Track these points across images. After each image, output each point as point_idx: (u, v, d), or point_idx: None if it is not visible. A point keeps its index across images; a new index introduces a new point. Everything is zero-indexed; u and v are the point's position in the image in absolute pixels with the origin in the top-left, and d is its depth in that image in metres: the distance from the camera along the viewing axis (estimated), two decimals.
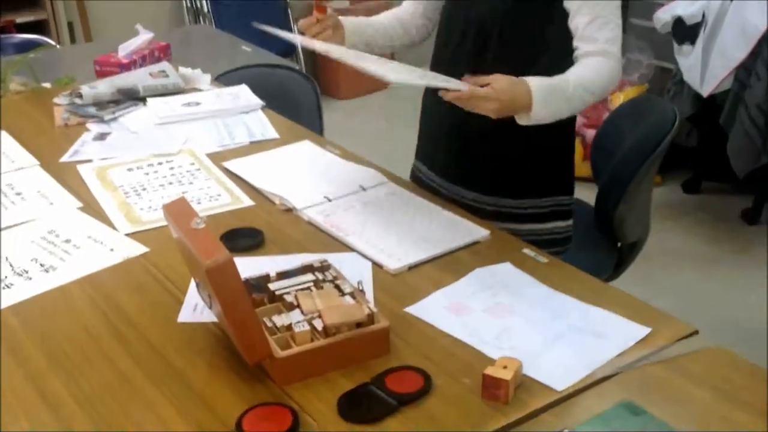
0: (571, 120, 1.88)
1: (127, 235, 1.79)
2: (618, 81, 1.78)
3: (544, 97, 1.65)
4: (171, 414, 1.30)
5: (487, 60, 1.82)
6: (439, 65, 1.89)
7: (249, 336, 1.31)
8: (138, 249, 1.74)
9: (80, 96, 2.38)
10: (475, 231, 1.78)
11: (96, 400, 1.33)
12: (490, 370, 1.31)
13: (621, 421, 1.25)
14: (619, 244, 2.37)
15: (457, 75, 1.67)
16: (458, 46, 1.88)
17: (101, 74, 2.68)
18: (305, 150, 2.17)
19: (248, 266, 1.64)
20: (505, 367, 1.31)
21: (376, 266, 1.68)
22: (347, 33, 1.89)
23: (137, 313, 1.55)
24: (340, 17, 1.89)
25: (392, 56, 2.17)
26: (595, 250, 2.34)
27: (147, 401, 1.33)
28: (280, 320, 1.40)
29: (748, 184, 3.66)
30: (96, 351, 1.44)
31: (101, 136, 2.25)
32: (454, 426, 1.26)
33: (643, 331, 1.44)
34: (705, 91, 3.51)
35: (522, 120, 1.68)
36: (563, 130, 1.87)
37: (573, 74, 1.72)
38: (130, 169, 2.08)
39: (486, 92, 1.61)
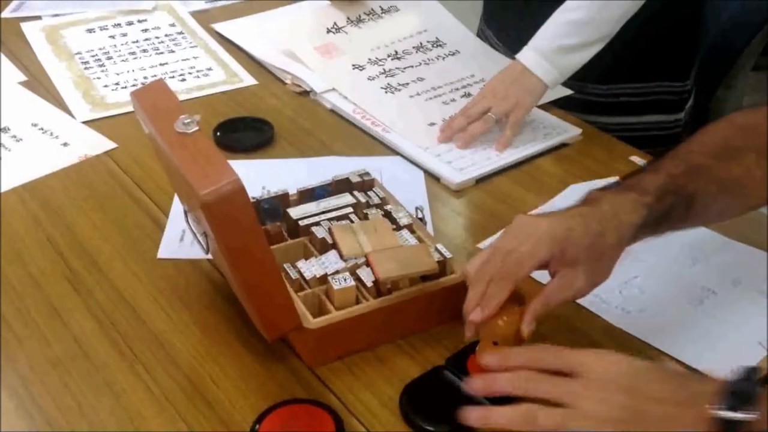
0: None
1: (85, 123, 1.33)
2: None
3: (540, 53, 1.26)
4: (149, 412, 0.87)
5: None
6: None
7: (267, 301, 0.86)
8: (101, 144, 1.30)
9: None
10: (563, 128, 1.32)
11: (33, 382, 0.89)
12: None
13: None
14: None
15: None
16: None
17: None
18: (324, 6, 1.63)
19: (253, 174, 1.18)
20: None
21: (428, 177, 1.22)
22: None
23: (99, 243, 1.09)
24: None
25: None
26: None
27: (112, 387, 0.89)
28: (309, 267, 0.95)
29: None
30: (36, 301, 0.99)
31: None
32: None
33: None
34: None
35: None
36: None
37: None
38: (90, 30, 1.60)
39: (475, 99, 1.30)
